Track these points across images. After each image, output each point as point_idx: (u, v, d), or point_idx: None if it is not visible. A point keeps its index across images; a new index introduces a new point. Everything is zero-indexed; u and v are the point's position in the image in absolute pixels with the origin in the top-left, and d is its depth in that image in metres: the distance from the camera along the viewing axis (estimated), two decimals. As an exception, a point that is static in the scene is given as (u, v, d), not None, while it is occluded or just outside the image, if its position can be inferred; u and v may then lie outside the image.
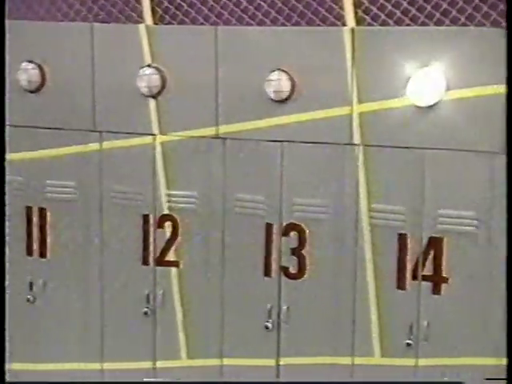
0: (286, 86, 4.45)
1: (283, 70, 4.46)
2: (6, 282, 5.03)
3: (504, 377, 3.75)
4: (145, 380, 4.97)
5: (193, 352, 4.96)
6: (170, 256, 4.91)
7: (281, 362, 4.77)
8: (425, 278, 4.38)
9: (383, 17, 4.33)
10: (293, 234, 4.63)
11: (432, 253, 4.35)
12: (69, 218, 5.10)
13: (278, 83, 4.46)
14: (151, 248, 4.94)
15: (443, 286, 4.35)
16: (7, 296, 4.99)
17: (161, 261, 4.92)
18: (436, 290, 4.37)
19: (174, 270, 4.92)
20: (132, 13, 4.89)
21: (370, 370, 4.57)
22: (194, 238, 4.84)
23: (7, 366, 4.90)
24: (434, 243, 4.33)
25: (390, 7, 4.30)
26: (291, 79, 4.46)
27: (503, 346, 4.20)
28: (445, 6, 4.18)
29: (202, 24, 4.74)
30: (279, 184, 4.62)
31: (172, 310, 4.95)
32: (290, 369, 4.75)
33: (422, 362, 4.45)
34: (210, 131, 4.70)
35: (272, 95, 4.49)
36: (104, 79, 4.85)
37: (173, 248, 4.89)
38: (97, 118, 4.90)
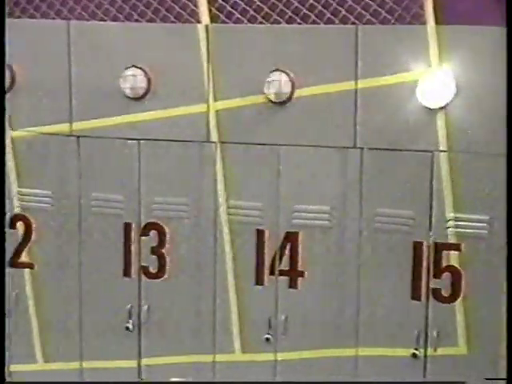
0: (141, 82, 4.41)
1: (139, 67, 4.41)
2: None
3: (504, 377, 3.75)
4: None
5: (50, 355, 4.84)
6: (24, 257, 4.77)
7: (142, 363, 4.71)
8: (282, 272, 4.44)
9: (237, 14, 4.36)
10: (152, 233, 4.59)
11: (288, 247, 4.42)
12: None
13: (133, 80, 4.41)
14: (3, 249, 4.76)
15: (300, 279, 4.42)
16: None
17: (14, 262, 4.77)
18: (293, 283, 4.43)
19: (27, 271, 4.78)
20: (-20, 6, 4.71)
21: (231, 367, 4.59)
22: (48, 238, 4.72)
23: None
24: (290, 238, 4.40)
25: (243, 5, 4.34)
26: (147, 76, 4.42)
27: (358, 336, 4.35)
28: (296, 4, 4.25)
29: (53, 18, 4.62)
30: (137, 183, 4.57)
31: (26, 312, 4.81)
32: (152, 369, 4.71)
33: (281, 356, 4.51)
34: (63, 128, 4.59)
35: (128, 92, 4.43)
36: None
37: (26, 249, 4.75)
38: None
